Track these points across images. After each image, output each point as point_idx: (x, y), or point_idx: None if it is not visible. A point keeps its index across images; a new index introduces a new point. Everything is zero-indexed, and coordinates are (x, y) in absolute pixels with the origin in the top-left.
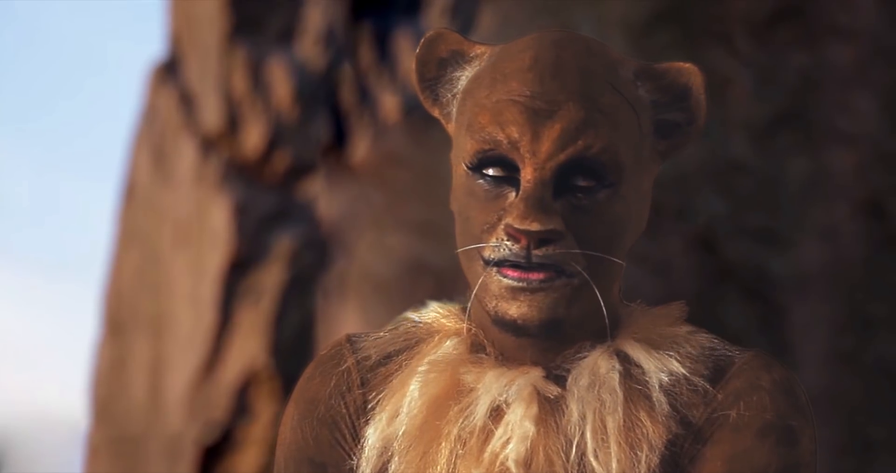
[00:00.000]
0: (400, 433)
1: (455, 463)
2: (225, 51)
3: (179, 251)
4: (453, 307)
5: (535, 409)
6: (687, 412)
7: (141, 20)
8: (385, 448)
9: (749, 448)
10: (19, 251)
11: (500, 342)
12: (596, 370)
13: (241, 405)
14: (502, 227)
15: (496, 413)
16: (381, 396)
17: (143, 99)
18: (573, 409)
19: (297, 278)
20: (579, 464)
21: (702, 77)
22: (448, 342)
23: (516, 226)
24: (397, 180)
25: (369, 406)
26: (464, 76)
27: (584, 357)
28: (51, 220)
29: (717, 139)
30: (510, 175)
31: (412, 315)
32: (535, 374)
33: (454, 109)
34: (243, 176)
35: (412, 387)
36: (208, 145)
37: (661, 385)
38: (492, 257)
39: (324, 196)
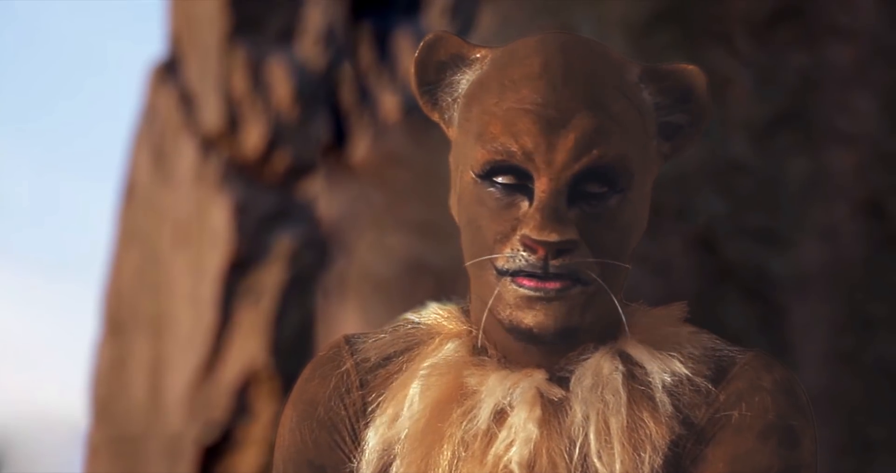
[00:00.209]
0: (402, 435)
1: (458, 466)
2: (225, 51)
3: (179, 251)
4: (453, 308)
5: (538, 412)
6: (689, 413)
7: (141, 20)
8: (386, 450)
9: (751, 450)
10: (19, 251)
11: (503, 344)
12: (599, 371)
13: (241, 405)
14: (518, 237)
15: (499, 416)
16: (381, 398)
17: (142, 99)
18: (576, 410)
19: (297, 278)
20: (583, 466)
21: (705, 79)
22: (450, 345)
23: (534, 237)
24: (397, 180)
25: (369, 409)
26: (464, 80)
27: (587, 359)
28: (51, 220)
29: (717, 139)
30: (522, 183)
31: (412, 316)
32: (539, 376)
33: (456, 114)
34: (243, 176)
35: (413, 389)
36: (208, 145)
37: (664, 386)
38: (506, 267)
39: (324, 196)
